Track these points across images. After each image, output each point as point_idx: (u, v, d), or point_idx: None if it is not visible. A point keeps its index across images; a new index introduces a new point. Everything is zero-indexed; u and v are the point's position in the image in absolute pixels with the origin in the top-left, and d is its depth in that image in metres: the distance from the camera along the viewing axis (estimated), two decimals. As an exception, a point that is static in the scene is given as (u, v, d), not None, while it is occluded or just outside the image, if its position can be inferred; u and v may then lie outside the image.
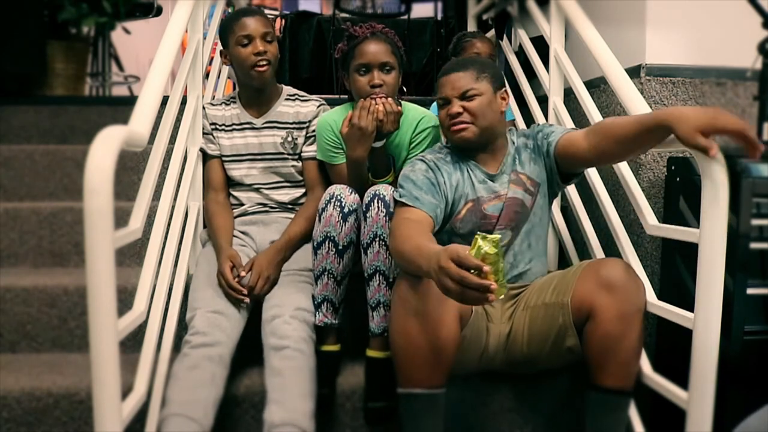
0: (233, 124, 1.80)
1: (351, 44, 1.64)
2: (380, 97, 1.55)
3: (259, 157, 1.78)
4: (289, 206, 1.80)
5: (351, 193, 1.51)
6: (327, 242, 1.50)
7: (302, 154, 1.78)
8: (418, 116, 1.70)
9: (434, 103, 2.15)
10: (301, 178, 1.80)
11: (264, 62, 1.68)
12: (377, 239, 1.45)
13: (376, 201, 1.46)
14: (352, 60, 1.63)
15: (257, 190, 1.80)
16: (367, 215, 1.46)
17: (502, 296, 1.04)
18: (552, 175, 1.52)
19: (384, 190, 1.47)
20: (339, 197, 1.49)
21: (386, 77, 1.60)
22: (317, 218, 1.52)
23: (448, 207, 1.48)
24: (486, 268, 1.00)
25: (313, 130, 1.76)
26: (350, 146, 1.55)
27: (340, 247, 1.50)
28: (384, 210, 1.45)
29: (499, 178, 1.50)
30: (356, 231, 1.51)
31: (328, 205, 1.49)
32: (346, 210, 1.49)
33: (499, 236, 1.05)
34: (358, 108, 1.53)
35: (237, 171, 1.79)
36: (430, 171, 1.47)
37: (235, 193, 1.81)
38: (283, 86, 1.84)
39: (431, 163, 1.49)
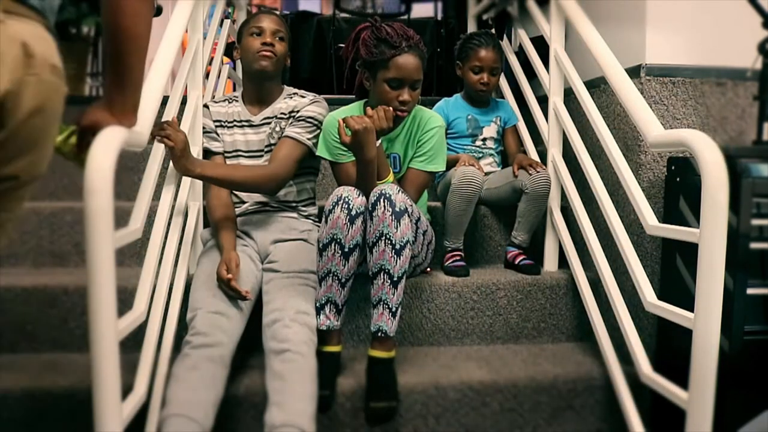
0: (234, 121, 1.81)
1: (386, 51, 1.59)
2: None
3: (257, 153, 1.79)
4: (292, 204, 1.81)
5: (359, 195, 1.51)
6: (333, 244, 1.50)
7: (283, 132, 1.76)
8: (426, 117, 1.74)
9: (437, 104, 2.16)
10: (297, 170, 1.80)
11: (268, 51, 1.73)
12: (383, 238, 1.46)
13: (382, 200, 1.47)
14: (383, 69, 1.59)
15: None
16: (374, 214, 1.47)
17: None
18: None
19: (390, 189, 1.48)
20: (347, 200, 1.50)
21: (414, 93, 1.62)
22: (324, 219, 1.52)
23: None
24: None
25: (301, 116, 1.76)
26: (364, 149, 1.52)
27: (346, 250, 1.50)
28: (390, 209, 1.46)
29: None
30: (362, 234, 1.52)
31: (336, 207, 1.49)
32: (353, 212, 1.49)
33: None
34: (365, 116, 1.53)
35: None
36: None
37: (236, 191, 1.82)
38: (285, 86, 1.86)
39: None
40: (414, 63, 1.59)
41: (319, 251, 1.53)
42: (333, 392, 1.51)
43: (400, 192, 1.49)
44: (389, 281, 1.47)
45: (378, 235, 1.47)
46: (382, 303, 1.48)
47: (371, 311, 1.50)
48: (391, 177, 1.64)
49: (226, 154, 1.81)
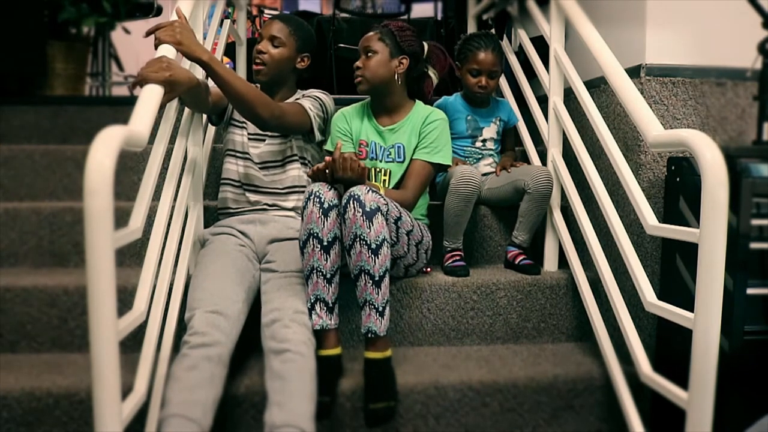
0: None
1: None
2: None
3: (262, 136, 1.86)
4: (282, 192, 1.84)
5: (329, 189, 1.53)
6: (311, 239, 1.51)
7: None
8: (427, 111, 1.89)
9: (437, 101, 2.17)
10: (296, 155, 1.86)
11: (258, 61, 1.82)
12: (358, 239, 1.47)
13: (351, 202, 1.48)
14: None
15: (249, 159, 1.85)
16: (345, 216, 1.49)
17: None
18: None
19: (359, 190, 1.49)
20: (318, 194, 1.51)
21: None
22: (301, 217, 1.54)
23: None
24: None
25: (307, 94, 1.87)
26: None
27: (325, 243, 1.51)
28: (360, 210, 1.47)
29: None
30: (339, 227, 1.52)
31: (308, 202, 1.52)
32: (325, 206, 1.50)
33: None
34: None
35: (240, 137, 1.88)
36: None
37: (229, 166, 1.87)
38: (298, 90, 1.94)
39: None
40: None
41: (300, 249, 1.54)
42: (334, 398, 1.50)
43: (370, 192, 1.50)
44: (371, 281, 1.48)
45: (353, 237, 1.48)
46: (368, 304, 1.49)
47: (360, 313, 1.51)
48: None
49: (237, 122, 1.90)
